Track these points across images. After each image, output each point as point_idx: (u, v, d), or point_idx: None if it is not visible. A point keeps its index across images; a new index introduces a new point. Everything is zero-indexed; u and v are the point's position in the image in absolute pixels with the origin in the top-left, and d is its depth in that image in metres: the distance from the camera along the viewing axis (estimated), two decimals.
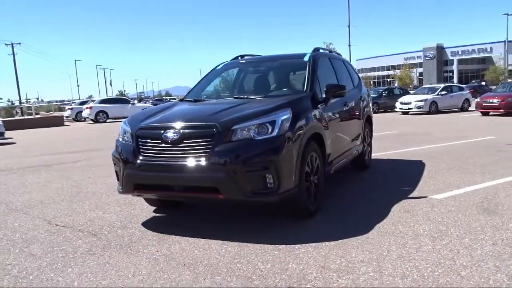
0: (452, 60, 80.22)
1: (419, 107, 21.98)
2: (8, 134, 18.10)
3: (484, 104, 19.15)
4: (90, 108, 29.14)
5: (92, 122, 29.30)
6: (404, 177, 6.47)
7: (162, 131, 4.03)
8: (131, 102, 31.36)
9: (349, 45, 31.11)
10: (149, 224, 4.57)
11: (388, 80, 78.25)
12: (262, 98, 4.81)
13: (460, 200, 4.90)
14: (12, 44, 54.67)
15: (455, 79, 74.33)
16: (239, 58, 6.24)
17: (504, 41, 68.48)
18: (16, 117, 33.62)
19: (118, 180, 4.56)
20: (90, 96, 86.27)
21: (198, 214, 4.98)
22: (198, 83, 5.81)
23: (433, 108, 22.19)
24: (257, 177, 3.82)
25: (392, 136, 12.16)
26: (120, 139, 4.53)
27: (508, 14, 48.73)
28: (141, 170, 4.08)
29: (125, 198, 5.81)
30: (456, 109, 23.50)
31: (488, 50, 76.31)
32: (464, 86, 28.21)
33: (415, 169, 7.03)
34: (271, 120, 3.94)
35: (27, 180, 7.71)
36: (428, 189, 5.50)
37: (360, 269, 3.15)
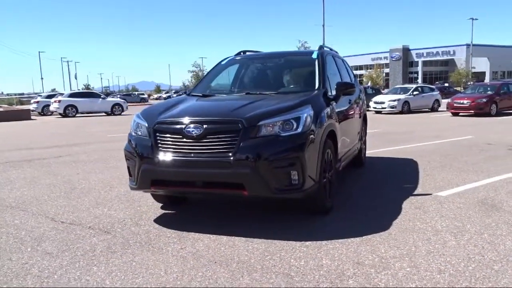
0: (417, 61, 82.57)
1: (392, 107, 22.48)
2: None
3: (455, 105, 19.81)
4: (59, 101, 28.16)
5: (60, 116, 28.36)
6: (402, 174, 6.60)
7: (184, 126, 3.93)
8: (101, 96, 30.54)
9: (323, 44, 31.30)
10: (161, 221, 4.46)
11: (358, 80, 79.68)
12: (275, 95, 4.78)
13: (465, 197, 5.04)
14: None
15: (419, 80, 76.54)
16: (242, 53, 6.19)
17: (467, 44, 71.16)
18: None
19: (130, 175, 4.42)
20: (54, 90, 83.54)
21: (207, 211, 4.90)
22: (204, 77, 5.71)
23: (406, 108, 22.76)
24: (283, 173, 3.79)
25: (377, 135, 12.38)
26: (134, 134, 4.40)
27: (473, 19, 50.66)
28: (160, 165, 3.97)
29: (125, 195, 5.67)
30: (427, 109, 24.18)
31: (451, 52, 79.00)
32: (434, 87, 29.05)
33: (410, 166, 7.19)
34: (296, 117, 3.92)
35: (11, 176, 7.38)
36: (430, 187, 5.63)
37: (395, 265, 3.18)
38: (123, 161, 8.46)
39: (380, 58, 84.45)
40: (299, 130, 3.88)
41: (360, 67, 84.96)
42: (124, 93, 73.03)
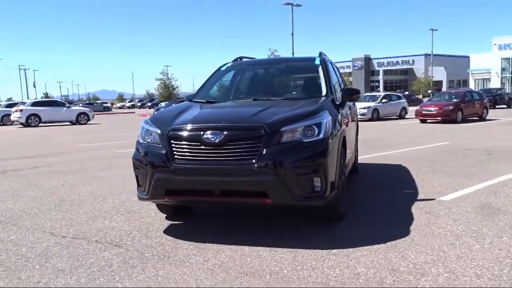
0: (379, 70, 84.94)
1: (362, 114, 22.89)
2: None
3: (423, 112, 20.42)
4: (21, 111, 26.99)
5: (22, 126, 27.17)
6: (398, 180, 6.67)
7: (202, 132, 3.78)
8: (66, 105, 29.53)
9: (293, 53, 31.80)
10: (172, 232, 4.28)
11: None
12: (284, 101, 4.71)
13: (469, 202, 5.12)
14: None
15: (380, 89, 78.64)
16: (238, 59, 6.09)
17: (425, 54, 73.92)
18: None
19: (139, 185, 4.22)
20: (10, 99, 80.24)
21: (213, 220, 4.74)
22: (204, 84, 5.56)
23: (375, 115, 23.27)
24: (307, 180, 3.71)
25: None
26: (143, 141, 4.20)
27: (433, 29, 52.69)
28: (176, 174, 3.80)
29: (122, 206, 5.44)
30: (395, 117, 24.82)
31: (411, 62, 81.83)
32: (401, 95, 29.88)
33: (402, 172, 7.28)
34: (318, 122, 3.86)
35: None
36: (430, 192, 5.70)
37: (431, 271, 3.16)
38: (107, 172, 8.27)
39: (343, 67, 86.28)
40: (321, 136, 3.82)
41: None
42: (86, 102, 71.10)
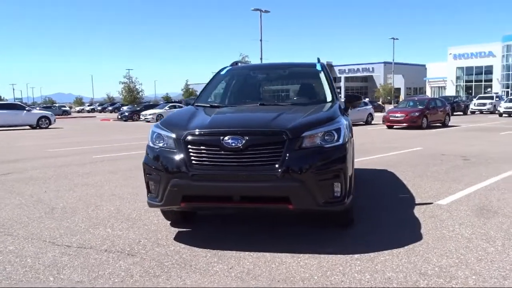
0: (340, 77, 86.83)
1: None
2: None
3: (390, 118, 21.02)
4: None
5: None
6: (389, 184, 6.81)
7: (221, 137, 3.71)
8: (26, 108, 28.31)
9: (261, 59, 31.94)
10: (183, 239, 4.17)
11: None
12: (294, 106, 4.71)
13: (466, 205, 5.29)
14: None
15: (342, 95, 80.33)
16: (235, 64, 6.05)
17: (384, 62, 76.26)
18: None
19: (150, 192, 4.08)
20: None
21: (220, 226, 4.66)
22: (205, 88, 5.47)
23: None
24: (328, 186, 3.72)
25: None
26: (154, 145, 4.08)
27: (394, 38, 54.49)
28: (194, 180, 3.71)
29: (119, 213, 5.28)
30: (361, 122, 25.39)
31: (370, 69, 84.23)
32: (367, 101, 30.61)
33: (389, 177, 7.44)
34: (337, 128, 3.88)
35: None
36: (425, 196, 5.85)
37: (458, 274, 3.23)
38: (90, 178, 7.99)
39: None
40: (340, 141, 3.84)
41: None
42: (44, 105, 68.45)
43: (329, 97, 4.93)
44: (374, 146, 12.69)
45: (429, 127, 20.63)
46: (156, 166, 3.93)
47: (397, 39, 55.57)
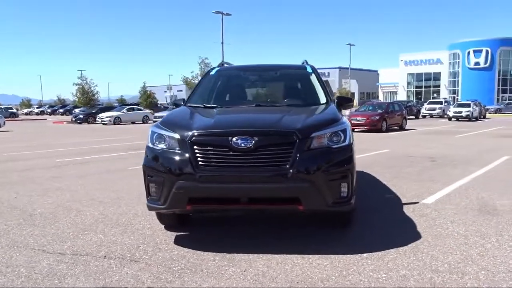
0: None
1: None
2: None
3: (352, 121, 21.50)
4: None
5: None
6: (370, 185, 6.94)
7: (230, 138, 3.64)
8: None
9: (222, 61, 31.74)
10: (184, 243, 4.05)
11: None
12: (290, 107, 4.70)
13: (450, 204, 5.49)
14: None
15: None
16: (223, 65, 5.97)
17: (339, 68, 78.18)
18: None
19: (150, 195, 3.93)
20: None
21: (217, 228, 4.55)
22: (196, 88, 5.36)
23: None
24: (336, 186, 3.73)
25: None
26: (154, 147, 3.94)
27: (350, 44, 56.06)
28: (202, 181, 3.61)
29: (105, 218, 5.10)
30: None
31: (326, 74, 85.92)
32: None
33: (368, 178, 7.59)
34: (343, 129, 3.91)
35: None
36: (409, 195, 6.01)
37: (468, 269, 3.34)
38: (60, 182, 7.62)
39: None
40: (347, 142, 3.87)
41: None
42: None
43: (323, 99, 4.97)
44: None
45: (388, 130, 21.29)
46: (159, 168, 3.80)
47: (353, 45, 57.25)
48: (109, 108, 40.29)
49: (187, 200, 3.68)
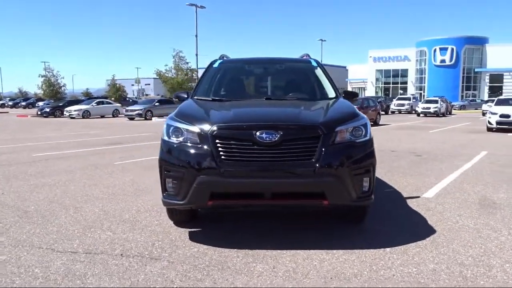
0: None
1: None
2: None
3: None
4: None
5: None
6: None
7: (254, 131, 3.55)
8: None
9: (196, 55, 31.38)
10: (201, 240, 3.95)
11: None
12: (303, 101, 4.66)
13: (451, 198, 5.60)
14: None
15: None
16: (223, 58, 5.86)
17: None
18: None
19: (166, 190, 3.80)
20: None
21: (228, 224, 4.46)
22: (200, 81, 5.21)
23: None
24: (359, 181, 3.72)
25: None
26: (171, 140, 3.80)
27: (322, 40, 56.55)
28: (225, 176, 3.51)
29: (107, 214, 4.93)
30: None
31: None
32: None
33: None
34: (364, 123, 3.89)
35: None
36: (407, 190, 6.10)
37: (492, 262, 3.40)
38: (45, 178, 7.30)
39: None
40: (368, 136, 3.86)
41: None
42: None
43: (332, 93, 4.94)
44: None
45: None
46: (177, 162, 3.67)
47: (324, 40, 57.78)
48: (77, 101, 39.11)
49: (209, 196, 3.57)
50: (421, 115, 33.86)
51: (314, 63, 5.43)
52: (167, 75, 30.69)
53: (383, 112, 38.43)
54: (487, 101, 40.53)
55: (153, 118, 29.34)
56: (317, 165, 3.51)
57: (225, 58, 5.90)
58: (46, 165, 8.76)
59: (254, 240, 3.94)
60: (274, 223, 4.51)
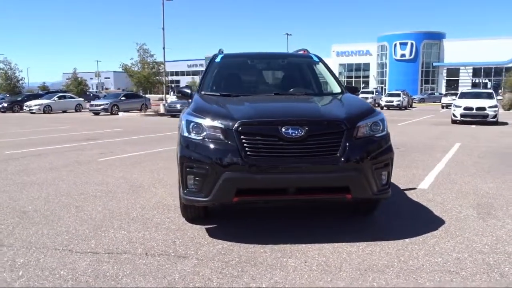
0: None
1: None
2: None
3: None
4: None
5: None
6: None
7: (280, 127, 3.57)
8: None
9: (164, 48, 30.79)
10: (221, 236, 3.94)
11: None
12: (313, 96, 4.72)
13: (445, 189, 5.83)
14: None
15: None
16: (221, 52, 5.81)
17: None
18: None
19: (187, 187, 3.76)
20: None
21: (240, 220, 4.47)
22: (205, 76, 5.14)
23: None
24: (380, 174, 3.81)
25: None
26: (192, 136, 3.76)
27: (288, 34, 56.91)
28: (251, 172, 3.52)
29: (114, 212, 4.83)
30: None
31: None
32: None
33: None
34: (382, 118, 3.99)
35: None
36: (402, 181, 6.29)
37: (508, 249, 3.58)
38: (30, 176, 7.05)
39: (197, 65, 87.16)
40: (385, 131, 3.96)
41: (176, 73, 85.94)
42: None
43: (337, 88, 5.02)
44: None
45: None
46: (201, 159, 3.64)
47: (290, 34, 58.19)
48: (36, 95, 37.60)
49: (235, 192, 3.56)
50: (384, 108, 34.83)
51: (315, 58, 5.49)
52: (133, 68, 29.96)
53: None
54: (446, 94, 42.18)
55: (119, 113, 28.67)
56: (342, 159, 3.57)
57: (222, 51, 5.85)
58: (24, 162, 8.43)
59: (272, 235, 3.97)
60: (282, 218, 4.55)
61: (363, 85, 62.15)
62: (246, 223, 4.38)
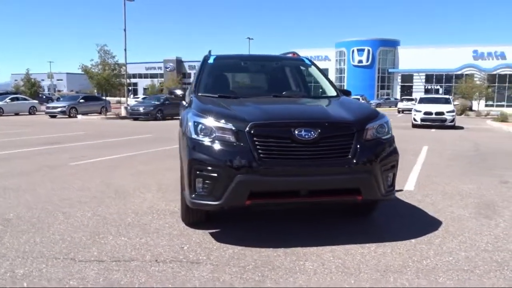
0: (190, 73, 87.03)
1: None
2: None
3: None
4: None
5: None
6: None
7: (293, 129, 3.55)
8: None
9: (125, 49, 30.02)
10: (229, 240, 3.86)
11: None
12: (313, 99, 4.75)
13: (430, 190, 6.02)
14: None
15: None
16: (211, 55, 5.73)
17: None
18: None
19: (196, 191, 3.65)
20: None
21: (240, 223, 4.40)
22: (199, 78, 5.02)
23: None
24: (387, 176, 3.87)
25: None
26: (201, 138, 3.66)
27: (249, 38, 57.09)
28: (265, 175, 3.47)
29: (105, 220, 4.62)
30: None
31: None
32: None
33: None
34: (387, 121, 4.06)
35: None
36: None
37: (509, 247, 3.72)
38: (3, 181, 6.57)
39: (154, 68, 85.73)
40: (390, 133, 4.03)
41: (134, 76, 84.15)
42: None
43: (332, 91, 5.06)
44: None
45: None
46: (212, 162, 3.55)
47: (252, 39, 58.39)
48: None
49: (248, 195, 3.50)
50: None
51: (307, 62, 5.52)
52: (93, 70, 29.01)
53: None
54: (402, 100, 43.71)
55: (78, 116, 27.68)
56: (354, 161, 3.60)
57: (211, 53, 5.76)
58: (2, 165, 7.96)
59: (279, 238, 3.95)
60: (284, 220, 4.53)
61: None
62: (250, 226, 4.32)
